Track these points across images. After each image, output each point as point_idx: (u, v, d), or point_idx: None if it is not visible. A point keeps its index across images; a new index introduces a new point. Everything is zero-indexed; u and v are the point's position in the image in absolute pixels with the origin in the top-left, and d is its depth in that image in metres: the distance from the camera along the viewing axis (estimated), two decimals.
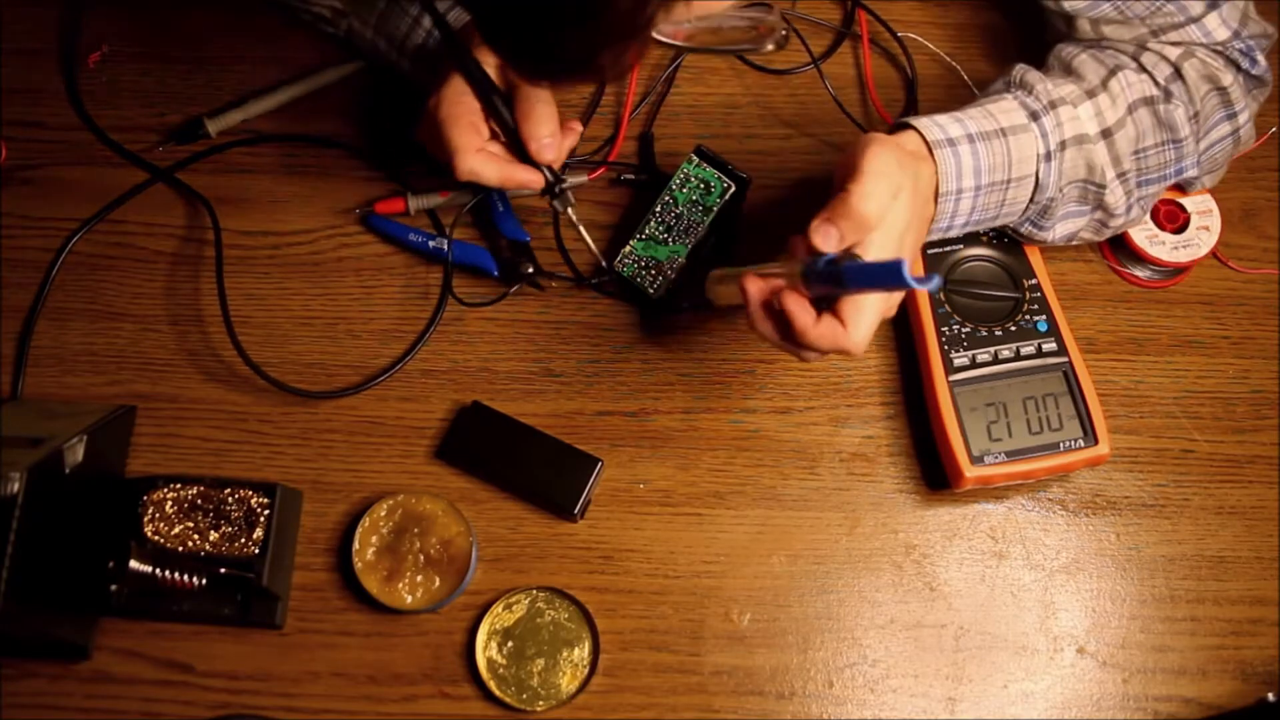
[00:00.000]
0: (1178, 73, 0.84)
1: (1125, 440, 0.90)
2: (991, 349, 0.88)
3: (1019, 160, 0.80)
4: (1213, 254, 0.93)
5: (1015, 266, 0.90)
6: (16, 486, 0.74)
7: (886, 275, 0.67)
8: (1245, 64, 0.86)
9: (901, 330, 0.92)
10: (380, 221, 0.94)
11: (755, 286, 0.75)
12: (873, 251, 0.73)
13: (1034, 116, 0.80)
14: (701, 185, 0.93)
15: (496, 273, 0.93)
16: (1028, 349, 0.88)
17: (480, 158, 0.83)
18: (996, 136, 0.79)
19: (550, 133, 0.84)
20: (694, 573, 0.87)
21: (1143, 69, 0.84)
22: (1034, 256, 0.90)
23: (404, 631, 0.85)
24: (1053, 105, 0.81)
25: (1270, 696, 0.83)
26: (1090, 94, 0.82)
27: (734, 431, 0.90)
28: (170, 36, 1.02)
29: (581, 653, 0.84)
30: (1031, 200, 0.82)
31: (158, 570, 0.82)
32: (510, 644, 0.84)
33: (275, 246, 0.95)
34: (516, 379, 0.91)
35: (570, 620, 0.85)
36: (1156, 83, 0.84)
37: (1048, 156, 0.80)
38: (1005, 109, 0.81)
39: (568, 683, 0.83)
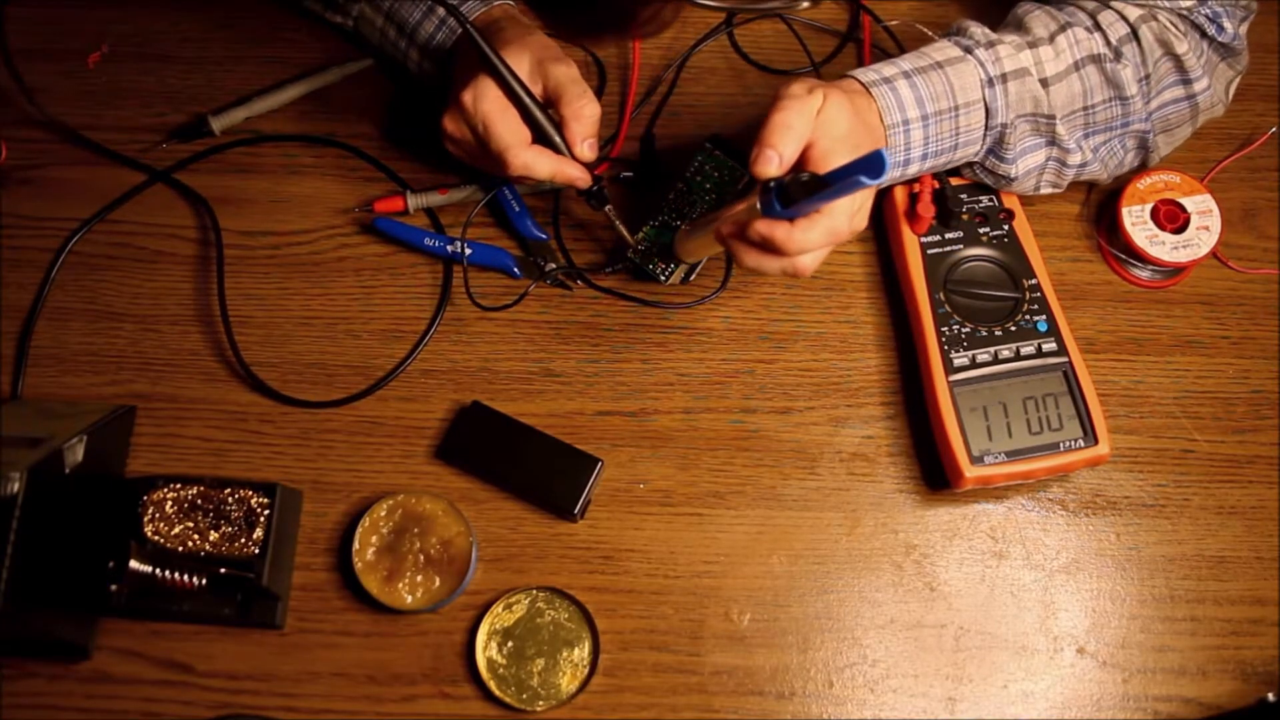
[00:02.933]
0: (1134, 34, 0.85)
1: (1125, 440, 0.90)
2: (991, 349, 0.88)
3: (961, 87, 0.82)
4: (1213, 254, 0.93)
5: (1015, 266, 0.90)
6: (16, 486, 0.74)
7: (862, 168, 0.67)
8: (1211, 30, 0.86)
9: (901, 330, 0.92)
10: (390, 225, 0.94)
11: (728, 229, 0.78)
12: (827, 157, 0.75)
13: (968, 50, 0.83)
14: (715, 174, 0.93)
15: (518, 273, 0.93)
16: (1028, 349, 0.88)
17: (533, 152, 0.85)
18: (933, 69, 0.82)
19: (593, 133, 0.86)
20: (694, 573, 0.87)
21: (1097, 27, 0.85)
22: (1034, 257, 0.90)
23: (404, 631, 0.85)
24: (990, 44, 0.83)
25: (1270, 696, 0.83)
26: (1031, 45, 0.84)
27: (734, 431, 0.90)
28: (170, 36, 1.02)
29: (581, 653, 0.84)
30: (987, 128, 0.83)
31: (158, 570, 0.82)
32: (510, 644, 0.84)
33: (275, 246, 0.95)
34: (516, 379, 0.91)
35: (570, 620, 0.85)
36: (1108, 42, 0.85)
37: (990, 83, 0.82)
38: (939, 47, 0.84)
39: (568, 683, 0.83)
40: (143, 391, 0.91)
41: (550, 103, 0.86)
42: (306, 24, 1.01)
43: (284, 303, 0.94)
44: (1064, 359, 0.88)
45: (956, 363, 0.87)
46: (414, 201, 0.95)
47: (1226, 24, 0.87)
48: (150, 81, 1.00)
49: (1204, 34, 0.86)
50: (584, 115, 0.85)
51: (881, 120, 0.80)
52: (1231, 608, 0.86)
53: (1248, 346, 0.93)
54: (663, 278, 0.92)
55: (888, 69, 0.82)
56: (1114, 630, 0.86)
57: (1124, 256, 0.94)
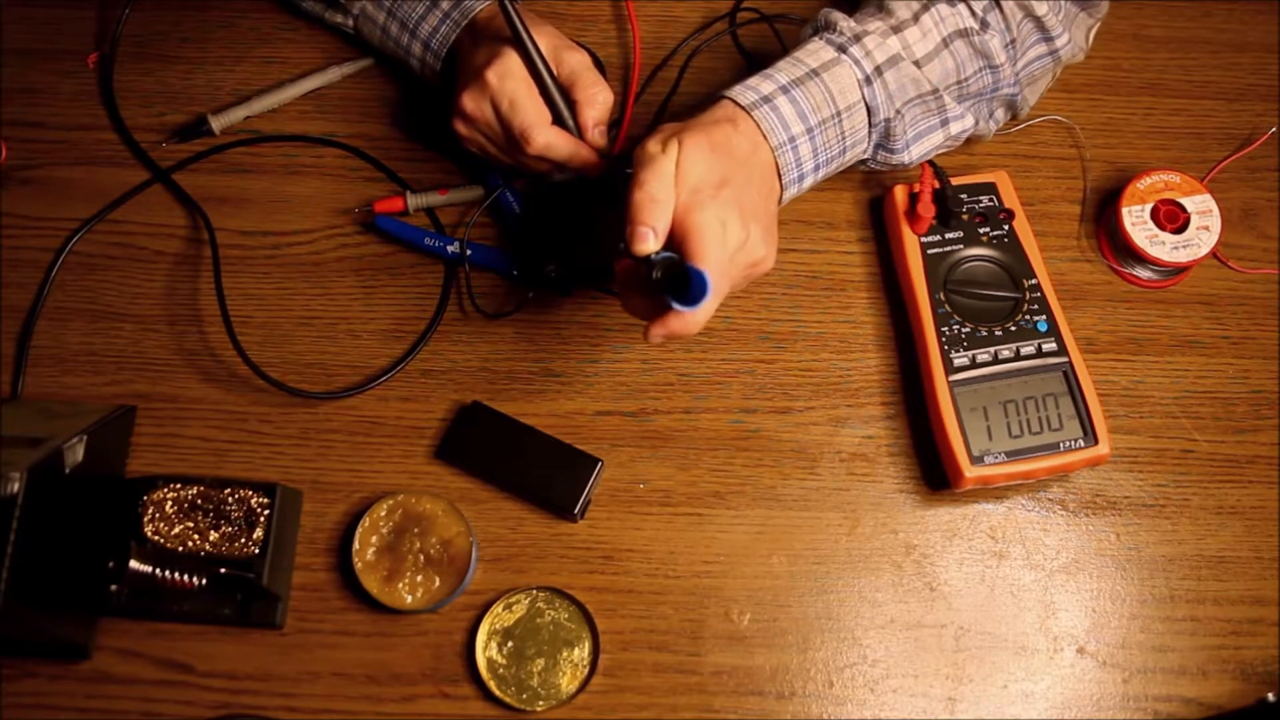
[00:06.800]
0: (996, 2, 0.86)
1: (1125, 440, 0.90)
2: (991, 349, 0.88)
3: (840, 92, 0.82)
4: (1213, 254, 0.93)
5: (1015, 266, 0.90)
6: (16, 486, 0.74)
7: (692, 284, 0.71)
8: None
9: (901, 330, 0.92)
10: (391, 224, 0.94)
11: (630, 300, 0.79)
12: (688, 212, 0.74)
13: (841, 49, 0.83)
14: None
15: (516, 274, 0.93)
16: (1028, 349, 0.88)
17: (554, 132, 0.86)
18: (810, 78, 0.81)
19: (605, 119, 0.87)
20: (694, 573, 0.87)
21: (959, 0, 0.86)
22: (1034, 257, 0.90)
23: (404, 631, 0.85)
24: (858, 37, 0.83)
25: (1270, 696, 0.83)
26: (897, 29, 0.84)
27: (734, 431, 0.90)
28: (170, 36, 1.02)
29: (581, 653, 0.84)
30: (870, 125, 0.84)
31: (158, 570, 0.82)
32: (510, 644, 0.84)
33: (275, 246, 0.95)
34: (516, 379, 0.91)
35: (570, 620, 0.85)
36: (973, 13, 0.86)
37: (867, 81, 0.82)
38: (811, 50, 0.83)
39: (568, 683, 0.83)
40: (143, 391, 0.91)
41: (564, 89, 0.87)
42: (306, 24, 1.01)
43: (284, 303, 0.94)
44: (1064, 359, 0.88)
45: (956, 363, 0.87)
46: (414, 202, 0.95)
47: None
48: (150, 81, 1.00)
49: None
50: (598, 101, 0.87)
51: (767, 140, 0.79)
52: (1231, 608, 0.86)
53: (1248, 346, 0.93)
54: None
55: (765, 85, 0.81)
56: (1114, 630, 0.86)
57: (1124, 256, 0.94)
